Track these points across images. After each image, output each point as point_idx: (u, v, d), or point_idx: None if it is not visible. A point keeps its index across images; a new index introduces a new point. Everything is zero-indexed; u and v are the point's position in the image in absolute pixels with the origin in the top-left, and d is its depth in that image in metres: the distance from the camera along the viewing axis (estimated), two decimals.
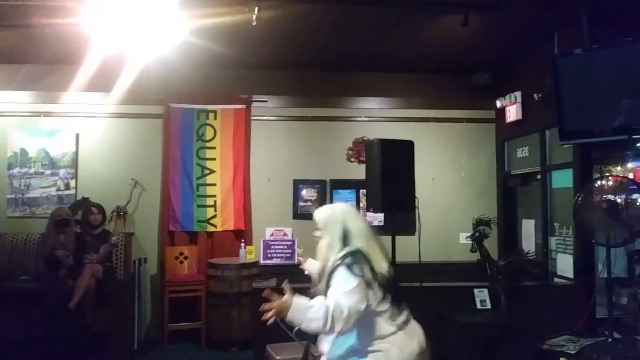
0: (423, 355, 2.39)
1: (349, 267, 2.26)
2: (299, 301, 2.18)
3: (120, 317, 5.36)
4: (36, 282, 5.17)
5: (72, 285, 4.91)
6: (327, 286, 2.30)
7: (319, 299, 2.22)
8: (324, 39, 5.04)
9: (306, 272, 2.98)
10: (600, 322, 3.78)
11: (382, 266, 2.37)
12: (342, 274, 2.25)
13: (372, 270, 2.31)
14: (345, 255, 2.31)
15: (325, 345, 2.43)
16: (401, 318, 2.38)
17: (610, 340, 3.26)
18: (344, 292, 2.19)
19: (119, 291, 5.44)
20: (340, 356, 2.37)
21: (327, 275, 2.32)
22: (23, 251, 5.56)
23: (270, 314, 2.12)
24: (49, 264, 5.09)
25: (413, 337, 2.39)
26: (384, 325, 2.33)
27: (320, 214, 2.51)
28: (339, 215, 2.44)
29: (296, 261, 3.05)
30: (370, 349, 2.31)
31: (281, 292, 2.21)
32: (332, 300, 2.17)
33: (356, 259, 2.29)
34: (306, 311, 2.15)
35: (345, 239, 2.37)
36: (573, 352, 3.21)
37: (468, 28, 4.31)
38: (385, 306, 2.34)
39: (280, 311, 2.13)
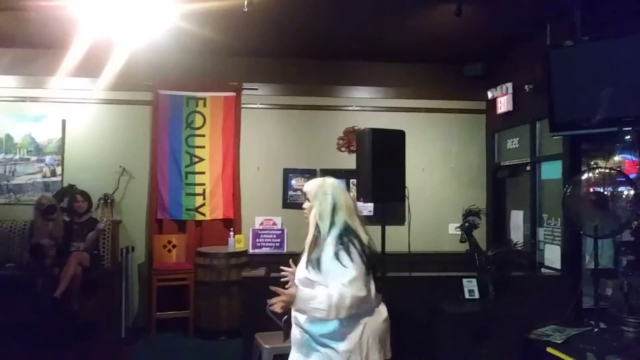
0: (384, 334, 2.50)
1: (347, 250, 2.33)
2: (304, 293, 2.29)
3: (107, 305, 5.34)
4: (22, 270, 5.12)
5: (59, 273, 4.86)
6: (319, 260, 2.37)
7: (322, 290, 2.31)
8: (315, 27, 4.99)
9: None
10: (586, 313, 3.82)
11: (365, 238, 2.47)
12: (342, 260, 2.32)
13: (360, 242, 2.40)
14: (339, 236, 2.38)
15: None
16: (379, 294, 2.50)
17: (596, 330, 3.29)
18: (348, 281, 2.28)
19: (106, 279, 5.41)
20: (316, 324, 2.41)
21: (321, 257, 2.38)
22: (8, 239, 5.48)
23: (278, 305, 2.25)
24: (33, 253, 5.03)
25: (383, 310, 2.52)
26: (366, 309, 2.41)
27: (311, 185, 2.57)
28: (329, 188, 2.51)
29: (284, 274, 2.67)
30: (353, 323, 2.38)
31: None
32: (336, 290, 2.26)
33: (349, 237, 2.38)
34: (310, 302, 2.26)
35: (334, 210, 2.45)
36: (560, 342, 3.24)
37: (461, 18, 4.28)
38: (371, 281, 2.44)
39: (288, 302, 2.26)
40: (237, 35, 5.06)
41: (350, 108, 6.24)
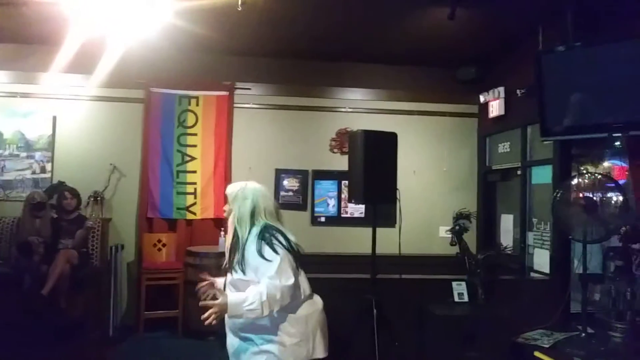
0: (324, 323, 2.55)
1: (270, 244, 2.37)
2: (233, 298, 2.32)
3: (96, 303, 5.30)
4: (9, 267, 5.07)
5: (47, 271, 4.82)
6: (242, 261, 2.41)
7: (252, 289, 2.32)
8: (309, 28, 4.98)
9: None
10: (574, 317, 3.83)
11: (292, 237, 2.51)
12: (265, 255, 2.36)
13: (285, 237, 2.45)
14: (260, 232, 2.42)
15: None
16: (309, 289, 2.55)
17: (583, 335, 3.30)
18: (275, 272, 2.31)
19: (95, 277, 5.38)
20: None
21: (245, 256, 2.42)
22: None
23: (212, 318, 2.30)
24: (22, 251, 4.98)
25: (318, 300, 2.58)
26: (296, 297, 2.45)
27: (233, 188, 2.61)
28: (249, 193, 2.54)
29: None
30: (282, 321, 2.42)
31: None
32: (264, 286, 2.29)
33: (270, 232, 2.42)
34: (241, 305, 2.28)
35: (253, 215, 2.48)
36: (547, 346, 3.25)
37: (454, 22, 4.30)
38: (301, 276, 2.49)
39: (221, 312, 2.31)
40: (230, 34, 5.04)
41: (343, 109, 6.25)
